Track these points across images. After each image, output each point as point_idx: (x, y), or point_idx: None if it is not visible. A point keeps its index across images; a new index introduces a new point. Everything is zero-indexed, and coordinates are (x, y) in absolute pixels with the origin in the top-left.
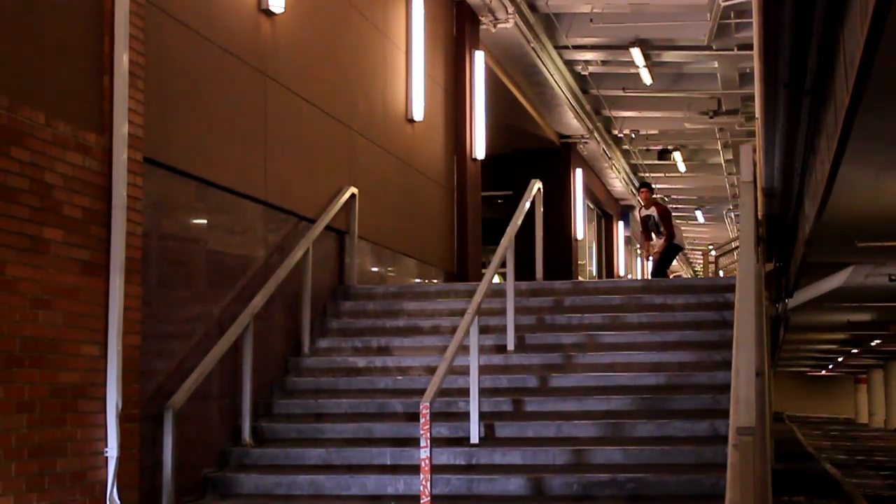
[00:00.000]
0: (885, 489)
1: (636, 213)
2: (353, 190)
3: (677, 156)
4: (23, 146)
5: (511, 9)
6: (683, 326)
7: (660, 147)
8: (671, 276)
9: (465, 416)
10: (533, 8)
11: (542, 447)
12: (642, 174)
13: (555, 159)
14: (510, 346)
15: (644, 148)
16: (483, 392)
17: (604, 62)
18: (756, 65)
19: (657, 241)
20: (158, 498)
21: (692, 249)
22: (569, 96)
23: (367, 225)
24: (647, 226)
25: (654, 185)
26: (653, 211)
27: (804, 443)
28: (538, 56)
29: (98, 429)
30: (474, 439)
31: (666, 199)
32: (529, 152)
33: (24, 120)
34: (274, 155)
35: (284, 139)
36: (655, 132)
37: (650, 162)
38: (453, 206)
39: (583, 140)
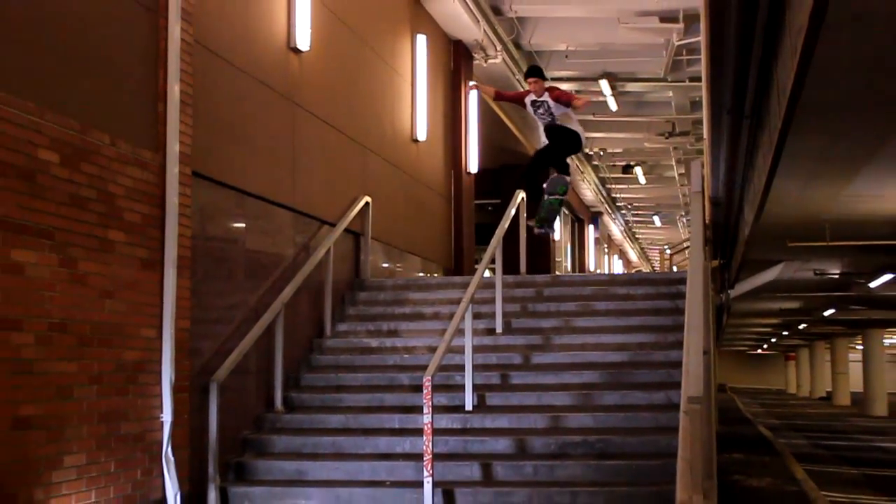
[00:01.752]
0: (808, 447)
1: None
2: (367, 199)
3: (638, 170)
4: (91, 162)
5: (499, 47)
6: (643, 313)
7: (624, 163)
8: (633, 270)
9: (461, 387)
10: (517, 46)
11: (525, 414)
12: (610, 185)
13: None
14: (498, 330)
15: (610, 163)
16: (476, 368)
17: (577, 91)
18: (704, 94)
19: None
20: (205, 456)
21: (650, 248)
22: None
23: (378, 228)
24: (537, 114)
25: (616, 194)
26: (547, 97)
27: (743, 409)
28: (522, 86)
29: (155, 398)
30: (468, 407)
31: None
32: (515, 167)
33: (93, 140)
34: (301, 169)
35: (309, 156)
36: (620, 150)
37: (615, 175)
38: (451, 212)
39: None
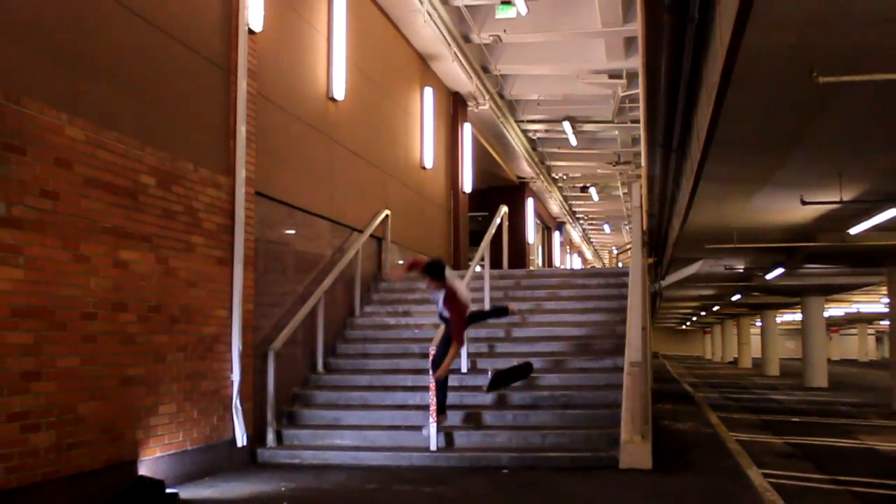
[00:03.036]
0: (719, 399)
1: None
2: (387, 211)
3: (593, 190)
4: (180, 184)
5: (487, 97)
6: (597, 298)
7: (581, 184)
8: (588, 266)
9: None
10: (501, 96)
11: None
12: (571, 201)
13: (515, 192)
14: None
15: (571, 185)
16: (469, 340)
17: (546, 130)
18: (642, 133)
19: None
20: (264, 406)
21: (601, 249)
22: (523, 151)
23: (396, 233)
24: (433, 296)
25: (575, 208)
26: (440, 295)
27: (671, 371)
28: (504, 126)
29: (227, 363)
30: (464, 370)
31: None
32: (499, 187)
33: (181, 168)
34: (336, 189)
35: (343, 179)
36: (579, 175)
37: (575, 194)
38: (450, 222)
39: (532, 180)
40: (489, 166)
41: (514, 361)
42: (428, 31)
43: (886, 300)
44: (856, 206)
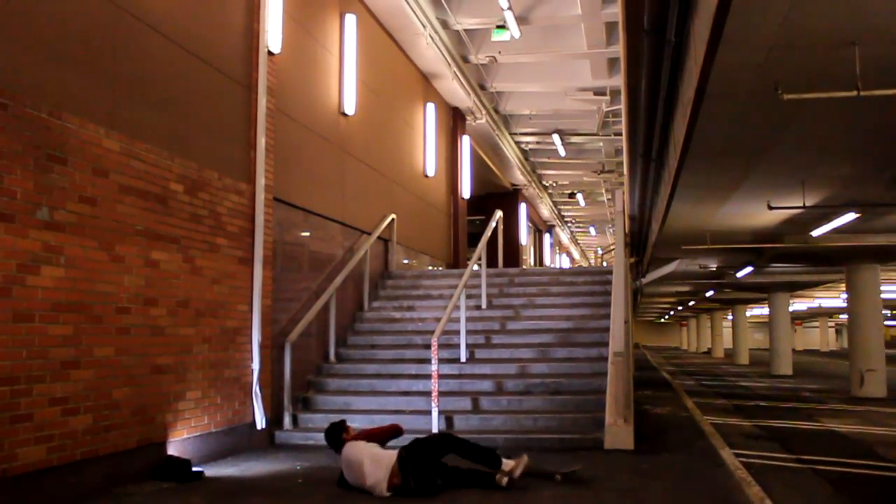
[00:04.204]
0: (695, 386)
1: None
2: (393, 215)
3: (580, 196)
4: (205, 191)
5: (483, 112)
6: (583, 294)
7: (569, 191)
8: (576, 265)
9: (457, 346)
10: (496, 111)
11: (502, 363)
12: (560, 206)
13: (509, 197)
14: (483, 306)
15: (560, 192)
16: (468, 332)
17: (537, 142)
18: (624, 144)
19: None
20: (281, 392)
21: (588, 249)
22: (517, 161)
23: (401, 235)
24: None
25: (564, 212)
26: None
27: (651, 360)
28: (499, 138)
29: (247, 353)
30: (463, 359)
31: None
32: (495, 194)
33: (207, 176)
34: (347, 195)
35: (353, 186)
36: (567, 182)
37: (564, 199)
38: (450, 225)
39: (525, 187)
40: (486, 174)
41: (508, 353)
42: (430, 52)
43: (845, 296)
44: (817, 211)
